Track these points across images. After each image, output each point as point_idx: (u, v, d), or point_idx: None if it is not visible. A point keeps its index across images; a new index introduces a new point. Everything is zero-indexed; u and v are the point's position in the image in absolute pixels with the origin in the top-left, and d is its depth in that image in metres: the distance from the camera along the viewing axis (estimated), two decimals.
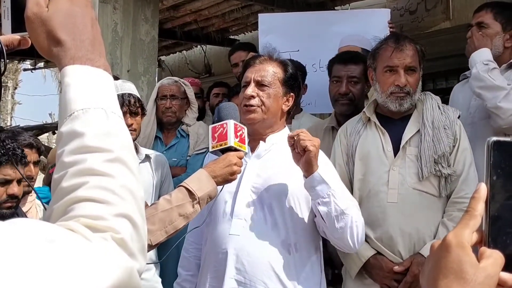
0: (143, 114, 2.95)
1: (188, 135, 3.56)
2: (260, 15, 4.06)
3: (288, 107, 2.24)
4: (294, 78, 2.25)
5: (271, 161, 2.14)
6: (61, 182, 0.78)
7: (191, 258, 2.27)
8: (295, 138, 1.95)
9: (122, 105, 2.73)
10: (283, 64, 2.24)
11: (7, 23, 1.00)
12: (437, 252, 0.71)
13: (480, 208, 0.71)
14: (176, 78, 3.71)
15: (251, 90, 2.15)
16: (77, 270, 0.65)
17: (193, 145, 3.50)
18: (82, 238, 0.70)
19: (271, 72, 2.18)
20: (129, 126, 2.75)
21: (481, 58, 2.62)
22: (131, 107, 2.80)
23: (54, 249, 0.65)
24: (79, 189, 0.76)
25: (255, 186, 2.10)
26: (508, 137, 0.77)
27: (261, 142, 2.19)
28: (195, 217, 1.97)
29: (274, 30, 3.71)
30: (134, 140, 2.85)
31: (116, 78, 3.30)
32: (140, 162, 2.93)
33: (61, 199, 0.77)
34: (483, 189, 0.72)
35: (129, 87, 2.88)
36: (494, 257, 0.69)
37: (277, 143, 2.20)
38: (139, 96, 2.92)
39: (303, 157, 1.94)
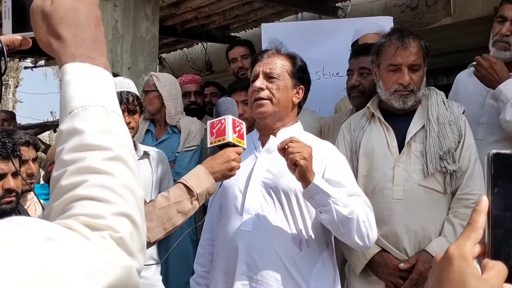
0: (142, 112, 2.94)
1: (180, 131, 3.53)
2: (263, 24, 4.13)
3: (299, 99, 2.24)
4: (303, 70, 2.26)
5: (281, 157, 2.13)
6: (60, 180, 0.77)
7: (206, 255, 2.27)
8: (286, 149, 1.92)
9: (120, 103, 2.69)
10: (291, 57, 2.25)
11: (7, 23, 1.00)
12: (439, 264, 0.71)
13: (481, 220, 0.71)
14: (151, 73, 3.70)
15: (260, 82, 2.16)
16: (74, 268, 0.65)
17: (183, 141, 3.47)
18: (80, 237, 0.69)
19: (279, 64, 2.19)
20: (127, 124, 2.73)
21: None
22: (129, 105, 2.77)
23: (52, 248, 0.65)
24: (78, 188, 0.75)
25: (265, 181, 2.10)
26: None
27: (271, 136, 2.20)
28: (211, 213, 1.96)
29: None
30: (132, 137, 2.84)
31: (116, 75, 3.29)
32: (139, 159, 2.92)
33: (60, 197, 0.76)
34: (485, 201, 0.72)
35: (128, 85, 2.85)
36: (497, 269, 0.69)
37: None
38: (137, 94, 2.90)
39: (296, 171, 1.92)
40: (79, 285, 0.64)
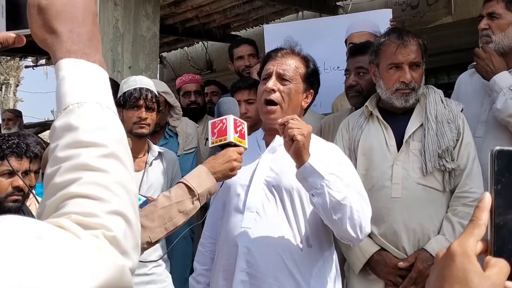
0: (159, 111, 2.95)
1: (176, 134, 3.54)
2: (265, 26, 4.21)
3: (307, 104, 2.21)
4: (315, 74, 2.22)
5: (285, 156, 2.11)
6: (54, 177, 0.76)
7: (207, 253, 2.26)
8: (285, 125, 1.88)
9: (139, 98, 2.79)
10: (305, 59, 2.21)
11: (1, 21, 0.99)
12: (442, 261, 0.71)
13: (484, 217, 0.71)
14: (160, 92, 3.49)
15: (272, 83, 2.11)
16: (65, 268, 0.63)
17: (183, 145, 3.49)
18: (71, 236, 0.68)
19: (293, 66, 2.15)
20: (143, 119, 2.81)
21: (506, 83, 2.51)
22: (147, 101, 2.82)
23: (43, 247, 0.64)
24: (72, 185, 0.74)
25: (268, 180, 2.08)
26: None
27: (276, 136, 2.16)
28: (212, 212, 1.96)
29: (279, 39, 3.74)
30: (146, 135, 2.88)
31: (116, 81, 3.29)
32: (153, 159, 2.96)
33: (54, 195, 0.75)
34: (487, 198, 0.72)
35: (147, 83, 2.90)
36: (499, 266, 0.68)
37: None
38: (156, 93, 2.91)
39: (291, 147, 1.86)
40: (72, 285, 0.63)
